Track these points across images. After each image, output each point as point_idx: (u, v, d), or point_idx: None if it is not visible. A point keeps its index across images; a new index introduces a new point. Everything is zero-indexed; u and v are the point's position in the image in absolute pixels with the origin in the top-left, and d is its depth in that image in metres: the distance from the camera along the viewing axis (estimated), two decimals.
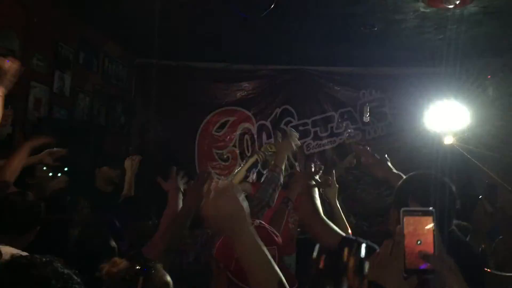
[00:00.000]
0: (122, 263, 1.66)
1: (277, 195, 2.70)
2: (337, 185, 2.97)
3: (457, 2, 4.14)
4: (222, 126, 6.92)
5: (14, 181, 2.96)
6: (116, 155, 5.50)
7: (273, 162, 2.80)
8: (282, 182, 2.74)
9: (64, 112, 5.16)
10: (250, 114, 6.90)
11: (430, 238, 1.08)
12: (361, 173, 6.53)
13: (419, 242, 1.07)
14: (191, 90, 6.81)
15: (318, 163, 2.98)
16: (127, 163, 4.14)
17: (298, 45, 5.84)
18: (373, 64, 6.39)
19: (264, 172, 4.36)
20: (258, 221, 1.93)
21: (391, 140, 6.52)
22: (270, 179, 2.71)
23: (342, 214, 2.90)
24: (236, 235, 1.23)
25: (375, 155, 2.66)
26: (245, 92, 6.91)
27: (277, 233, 1.93)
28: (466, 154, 5.08)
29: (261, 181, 2.89)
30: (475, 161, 4.99)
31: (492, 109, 5.70)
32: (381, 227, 3.29)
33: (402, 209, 1.12)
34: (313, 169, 2.61)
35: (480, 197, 3.86)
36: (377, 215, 5.39)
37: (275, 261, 1.76)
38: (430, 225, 1.09)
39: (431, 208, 1.11)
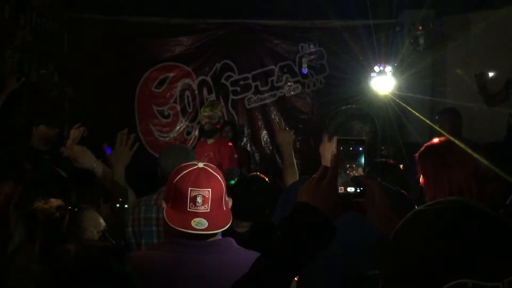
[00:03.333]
0: (56, 201, 1.69)
1: None
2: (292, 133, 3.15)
3: None
4: (162, 82, 6.78)
5: None
6: (51, 114, 5.30)
7: None
8: None
9: None
10: (190, 69, 6.79)
11: (361, 165, 1.16)
12: (299, 126, 6.70)
13: (351, 168, 1.15)
14: (127, 45, 6.59)
15: None
16: (72, 132, 4.04)
17: None
18: (310, 17, 6.43)
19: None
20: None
21: (330, 92, 6.64)
22: None
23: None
24: None
25: None
26: (184, 47, 6.77)
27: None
28: (401, 102, 5.32)
29: None
30: (410, 109, 5.24)
31: (423, 60, 5.95)
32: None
33: (337, 138, 1.19)
34: None
35: None
36: (313, 162, 5.58)
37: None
38: (362, 153, 1.17)
39: (364, 137, 1.19)
